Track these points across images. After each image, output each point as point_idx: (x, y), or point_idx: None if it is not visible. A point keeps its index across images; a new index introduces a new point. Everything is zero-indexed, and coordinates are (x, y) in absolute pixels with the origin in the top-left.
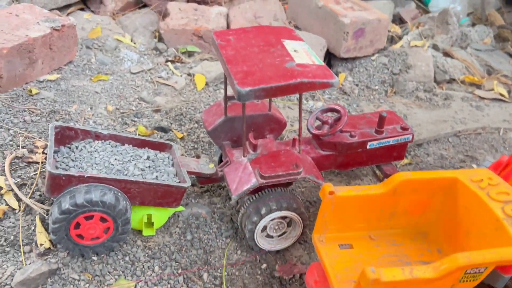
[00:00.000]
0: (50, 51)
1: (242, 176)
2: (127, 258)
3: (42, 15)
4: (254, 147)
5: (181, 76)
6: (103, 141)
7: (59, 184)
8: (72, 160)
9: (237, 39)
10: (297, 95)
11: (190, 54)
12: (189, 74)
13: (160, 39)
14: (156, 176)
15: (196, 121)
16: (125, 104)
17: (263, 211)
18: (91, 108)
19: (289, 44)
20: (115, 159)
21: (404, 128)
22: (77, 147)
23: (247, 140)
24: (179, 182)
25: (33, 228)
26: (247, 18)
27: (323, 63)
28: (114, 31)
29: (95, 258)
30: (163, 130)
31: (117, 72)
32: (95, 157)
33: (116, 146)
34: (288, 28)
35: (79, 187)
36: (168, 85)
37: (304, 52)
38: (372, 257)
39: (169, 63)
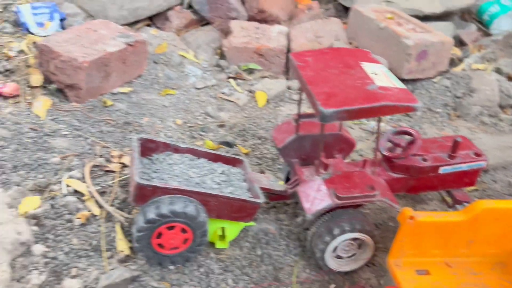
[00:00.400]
0: (123, 65)
1: (316, 196)
2: (202, 269)
3: (117, 31)
4: (325, 167)
5: (242, 92)
6: (181, 154)
7: (144, 194)
8: (154, 172)
9: (315, 61)
10: None
11: (250, 71)
12: (250, 91)
13: (222, 56)
14: (231, 191)
15: (259, 137)
16: (192, 118)
17: (336, 231)
18: (161, 121)
19: (367, 67)
20: (193, 172)
21: (478, 154)
22: (157, 159)
23: (322, 160)
24: (252, 197)
25: (113, 234)
26: (308, 37)
27: (404, 87)
28: (178, 47)
29: (172, 267)
30: (228, 145)
31: (183, 87)
32: (175, 169)
33: (193, 160)
34: (364, 51)
35: (163, 198)
36: (231, 101)
37: (384, 75)
38: (450, 285)
39: (231, 80)
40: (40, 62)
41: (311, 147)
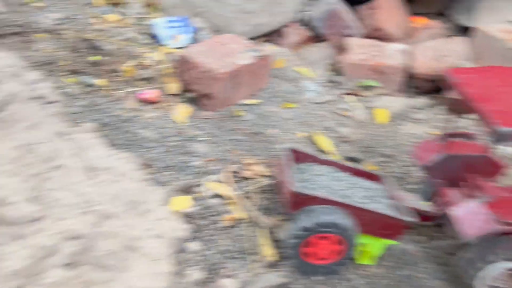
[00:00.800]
0: (250, 77)
1: (476, 220)
2: (347, 283)
3: (244, 45)
4: (480, 190)
5: (361, 109)
6: (323, 166)
7: (298, 202)
8: (301, 181)
9: (476, 78)
10: None
11: (365, 87)
12: (368, 108)
13: (336, 72)
14: (379, 207)
15: (383, 155)
16: (312, 131)
17: (491, 258)
18: (285, 133)
19: None
20: (338, 184)
21: None
22: (302, 169)
23: (475, 182)
24: (401, 216)
25: (256, 239)
26: (429, 56)
27: None
28: (294, 63)
29: (318, 278)
30: (354, 160)
31: (301, 101)
32: (320, 181)
33: (335, 172)
34: None
35: (316, 208)
36: (349, 117)
37: None
38: None
39: (348, 96)
40: (178, 72)
41: (460, 168)
